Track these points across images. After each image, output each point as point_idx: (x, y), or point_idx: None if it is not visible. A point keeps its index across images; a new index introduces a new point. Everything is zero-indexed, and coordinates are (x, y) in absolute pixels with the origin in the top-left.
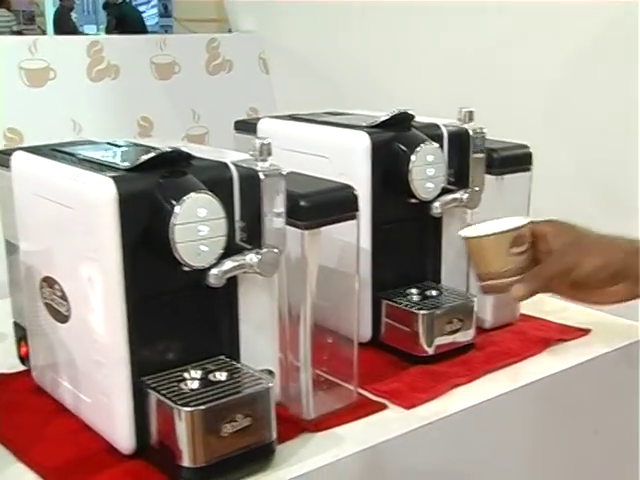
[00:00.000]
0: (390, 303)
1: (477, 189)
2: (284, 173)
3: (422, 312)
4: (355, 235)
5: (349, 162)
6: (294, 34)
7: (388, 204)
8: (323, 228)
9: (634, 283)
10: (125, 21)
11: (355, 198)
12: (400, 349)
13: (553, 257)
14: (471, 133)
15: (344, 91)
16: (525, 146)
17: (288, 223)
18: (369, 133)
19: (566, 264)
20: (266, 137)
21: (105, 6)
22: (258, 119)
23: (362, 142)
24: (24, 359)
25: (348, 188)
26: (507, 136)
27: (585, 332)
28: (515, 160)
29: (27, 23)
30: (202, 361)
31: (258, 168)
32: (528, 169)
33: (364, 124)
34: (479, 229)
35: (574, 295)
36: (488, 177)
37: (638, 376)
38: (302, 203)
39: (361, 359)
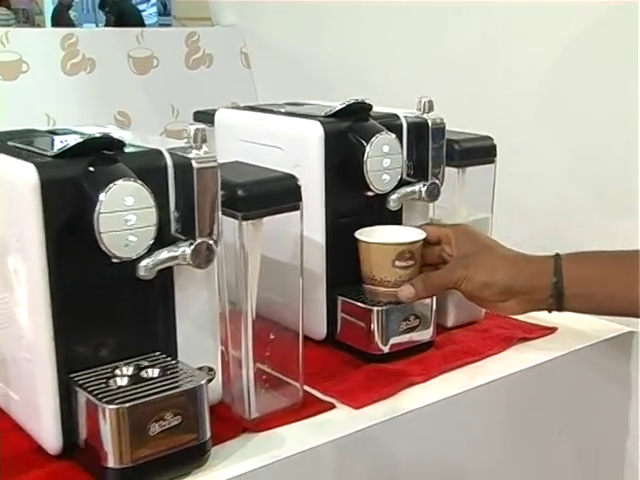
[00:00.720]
0: (345, 300)
1: (436, 181)
2: (217, 162)
3: (377, 308)
4: (305, 227)
5: (303, 153)
6: (276, 28)
7: (343, 197)
8: (266, 219)
9: (526, 300)
10: (124, 19)
11: (298, 188)
12: (355, 347)
13: (444, 268)
14: (430, 123)
15: (328, 85)
16: (488, 137)
17: (226, 214)
18: (323, 123)
19: (454, 277)
20: (222, 127)
21: (101, 5)
22: (216, 110)
23: (315, 132)
24: None
25: (291, 178)
26: (498, 133)
27: (551, 330)
28: (478, 152)
29: (26, 21)
30: (136, 357)
31: (191, 156)
32: (492, 161)
33: (320, 114)
34: (372, 233)
35: (472, 301)
36: (449, 169)
37: (604, 376)
38: (240, 193)
39: (314, 357)
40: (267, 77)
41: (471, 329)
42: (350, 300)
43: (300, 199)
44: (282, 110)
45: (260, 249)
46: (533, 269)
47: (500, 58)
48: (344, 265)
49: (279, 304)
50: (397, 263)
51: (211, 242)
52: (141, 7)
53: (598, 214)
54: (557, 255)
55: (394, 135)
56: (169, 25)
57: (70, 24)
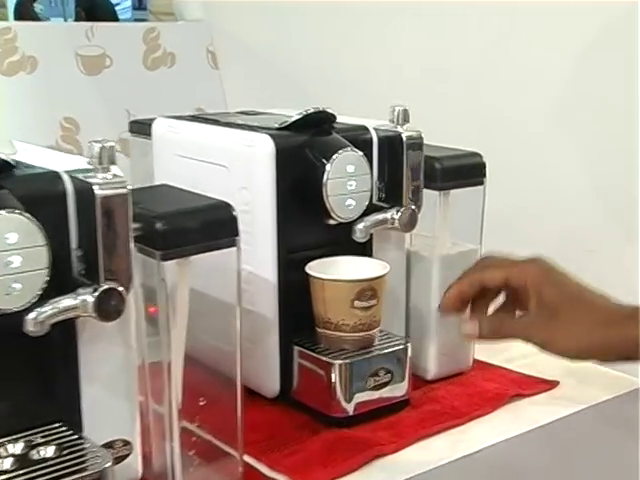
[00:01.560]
0: (302, 350)
1: (413, 207)
2: (128, 187)
3: (339, 361)
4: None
5: (250, 172)
6: (247, 23)
7: (300, 226)
8: (196, 257)
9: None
10: (95, 13)
11: (233, 220)
12: (313, 408)
13: (524, 321)
14: (404, 137)
15: (304, 89)
16: (476, 154)
17: (143, 252)
18: (274, 136)
19: (534, 338)
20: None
21: None
22: (153, 119)
23: (264, 147)
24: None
25: (225, 207)
26: (488, 149)
27: (551, 385)
28: (463, 171)
29: None
30: (33, 430)
31: (95, 180)
32: (480, 182)
33: (273, 125)
34: (328, 267)
35: None
36: (429, 192)
37: (614, 440)
38: (157, 226)
39: (263, 420)
40: (237, 79)
41: (456, 382)
42: (307, 350)
43: (236, 234)
44: (230, 121)
45: (186, 291)
46: (631, 328)
47: (492, 65)
48: (301, 307)
49: (221, 352)
50: (357, 303)
51: (121, 288)
52: (114, 0)
53: (608, 240)
54: None
55: (361, 152)
56: (145, 20)
57: (35, 18)
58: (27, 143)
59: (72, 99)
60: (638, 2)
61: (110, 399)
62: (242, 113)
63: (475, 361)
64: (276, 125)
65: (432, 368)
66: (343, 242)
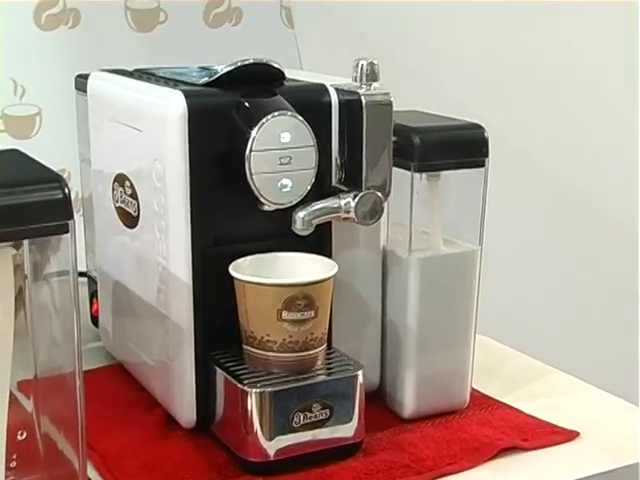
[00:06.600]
0: (220, 371)
1: (376, 193)
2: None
3: (255, 389)
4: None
5: (160, 140)
6: None
7: (226, 213)
8: None
9: None
10: None
11: (62, 202)
12: (231, 448)
13: None
14: (364, 100)
15: (388, 52)
16: (476, 126)
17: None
18: (188, 94)
19: None
20: None
21: None
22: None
23: (174, 108)
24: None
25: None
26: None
27: (568, 436)
28: (455, 148)
29: None
30: None
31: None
32: (480, 163)
33: (194, 81)
34: (259, 266)
35: None
36: (406, 174)
37: None
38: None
39: (170, 457)
40: (315, 40)
41: (439, 424)
42: (224, 372)
43: (67, 230)
44: (161, 74)
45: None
46: None
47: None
48: (229, 316)
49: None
50: (285, 315)
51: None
52: None
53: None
54: None
55: (300, 117)
56: None
57: None
58: None
59: (119, 60)
60: (638, 2)
61: None
62: (204, 69)
63: (476, 397)
64: (196, 80)
65: (409, 403)
66: (282, 235)
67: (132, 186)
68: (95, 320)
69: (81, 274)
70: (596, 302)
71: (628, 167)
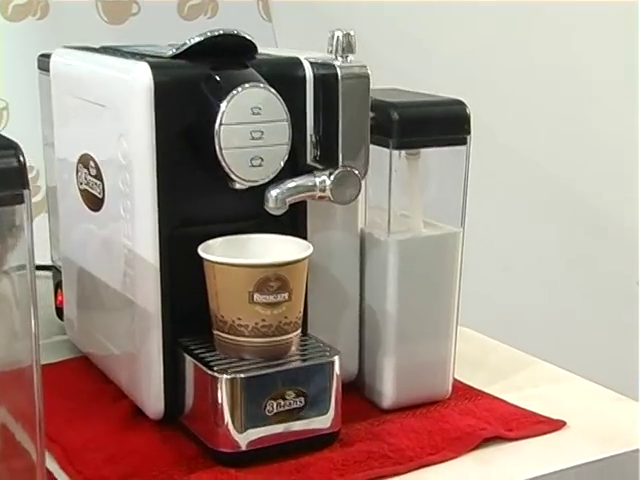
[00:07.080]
0: (189, 358)
1: (352, 170)
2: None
3: (226, 376)
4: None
5: (125, 114)
6: None
7: (194, 191)
8: None
9: None
10: None
11: (17, 170)
12: (200, 439)
13: None
14: (340, 73)
15: (367, 46)
16: (457, 102)
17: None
18: (155, 66)
19: None
20: None
21: None
22: None
23: (139, 80)
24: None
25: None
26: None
27: (554, 426)
28: (435, 124)
29: None
30: None
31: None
32: (462, 141)
33: (161, 53)
34: (229, 247)
35: None
36: (384, 152)
37: None
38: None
39: (136, 449)
40: (294, 34)
41: (420, 415)
42: (193, 359)
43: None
44: (126, 49)
45: None
46: None
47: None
48: (198, 300)
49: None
50: (257, 297)
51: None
52: None
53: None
54: None
55: (272, 90)
56: None
57: None
58: None
59: None
60: (638, 2)
61: None
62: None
63: (459, 387)
64: (163, 52)
65: (389, 393)
66: (263, 215)
67: (97, 166)
68: (60, 313)
69: (46, 267)
70: (592, 300)
71: (628, 167)
